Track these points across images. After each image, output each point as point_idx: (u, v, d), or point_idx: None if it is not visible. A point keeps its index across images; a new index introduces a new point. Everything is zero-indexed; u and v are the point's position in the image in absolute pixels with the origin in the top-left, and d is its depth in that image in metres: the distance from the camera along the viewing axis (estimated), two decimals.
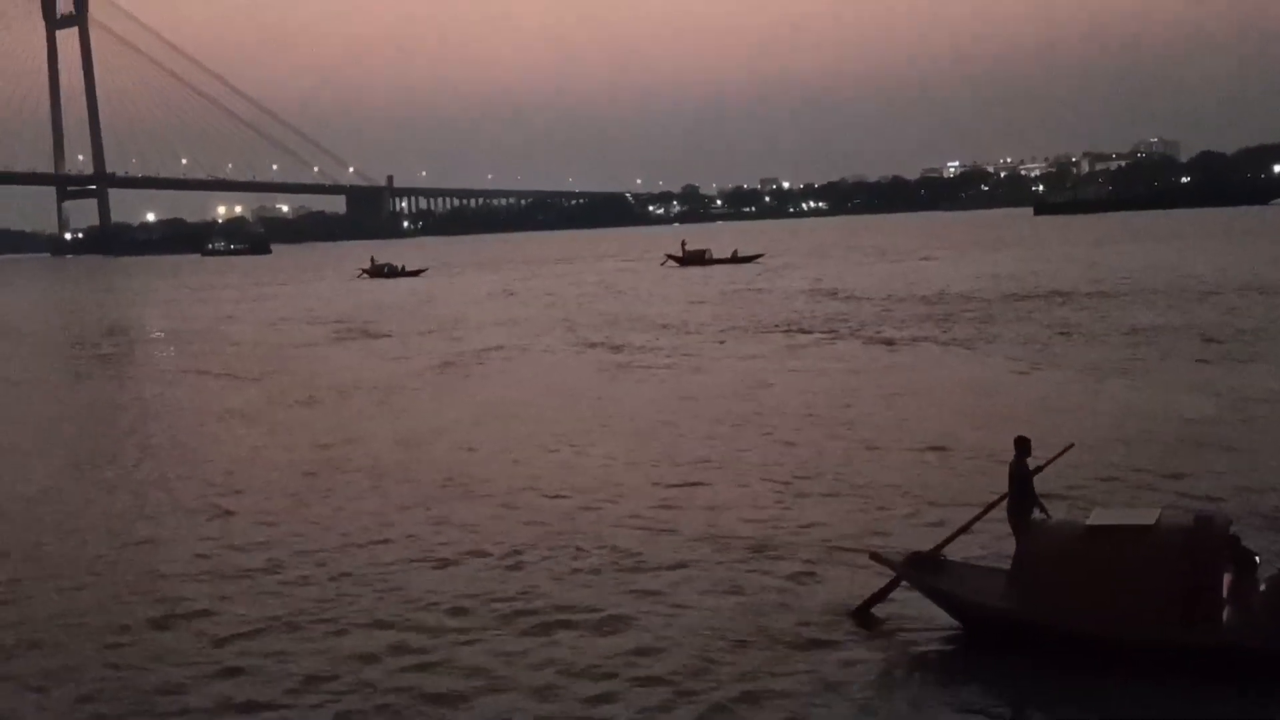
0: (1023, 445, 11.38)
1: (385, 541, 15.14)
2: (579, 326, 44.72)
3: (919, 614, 11.44)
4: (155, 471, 20.66)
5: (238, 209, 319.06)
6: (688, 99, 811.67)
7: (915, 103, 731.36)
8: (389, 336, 44.94)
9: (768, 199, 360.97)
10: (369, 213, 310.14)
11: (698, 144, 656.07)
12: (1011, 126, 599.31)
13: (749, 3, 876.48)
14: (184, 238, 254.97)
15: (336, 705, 10.22)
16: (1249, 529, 12.43)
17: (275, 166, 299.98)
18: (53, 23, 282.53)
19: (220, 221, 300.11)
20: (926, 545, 11.90)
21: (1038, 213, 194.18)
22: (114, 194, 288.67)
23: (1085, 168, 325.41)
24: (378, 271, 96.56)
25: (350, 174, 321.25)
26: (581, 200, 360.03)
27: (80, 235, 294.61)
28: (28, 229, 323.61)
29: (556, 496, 17.15)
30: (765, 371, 29.88)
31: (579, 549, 14.37)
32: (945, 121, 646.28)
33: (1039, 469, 11.46)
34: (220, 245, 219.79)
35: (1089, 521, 10.56)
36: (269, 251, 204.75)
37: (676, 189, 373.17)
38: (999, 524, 12.09)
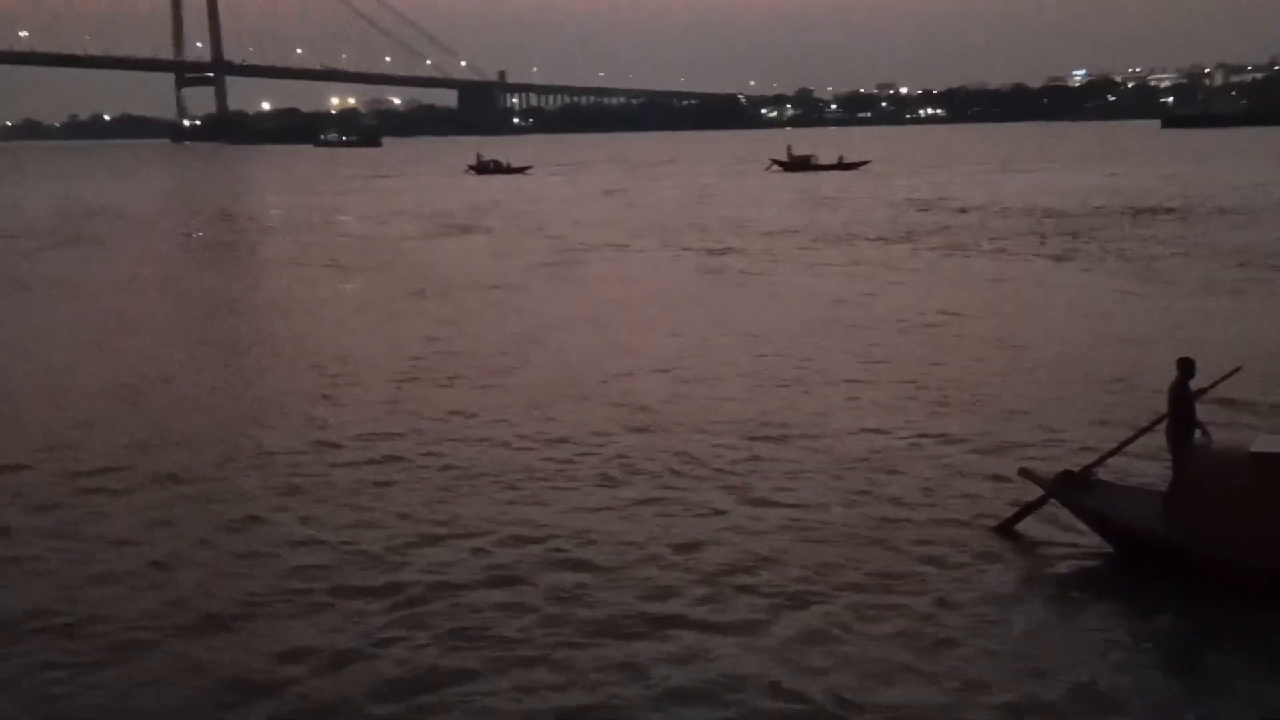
0: (1185, 366, 10.71)
1: (500, 442, 14.95)
2: (679, 230, 44.24)
3: (1065, 534, 11.07)
4: (270, 359, 20.93)
5: (351, 100, 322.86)
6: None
7: (1041, 7, 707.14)
8: (490, 232, 45.78)
9: (884, 104, 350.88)
10: (480, 108, 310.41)
11: (813, 46, 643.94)
12: (1141, 35, 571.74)
13: None
14: (298, 128, 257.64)
15: (453, 597, 10.06)
16: None
17: (388, 59, 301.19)
18: None
19: (333, 113, 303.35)
20: (1067, 466, 11.41)
21: (1166, 125, 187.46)
22: (230, 83, 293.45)
23: (1218, 80, 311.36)
24: (484, 168, 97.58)
25: (463, 68, 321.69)
26: (693, 101, 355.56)
27: (199, 122, 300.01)
28: (149, 115, 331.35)
29: (667, 401, 16.86)
30: (875, 281, 29.34)
31: (690, 456, 14.00)
32: (1071, 28, 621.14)
33: (1202, 391, 10.79)
34: (332, 136, 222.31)
35: (1252, 448, 9.97)
36: (379, 144, 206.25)
37: (790, 92, 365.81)
38: (1152, 446, 11.47)
